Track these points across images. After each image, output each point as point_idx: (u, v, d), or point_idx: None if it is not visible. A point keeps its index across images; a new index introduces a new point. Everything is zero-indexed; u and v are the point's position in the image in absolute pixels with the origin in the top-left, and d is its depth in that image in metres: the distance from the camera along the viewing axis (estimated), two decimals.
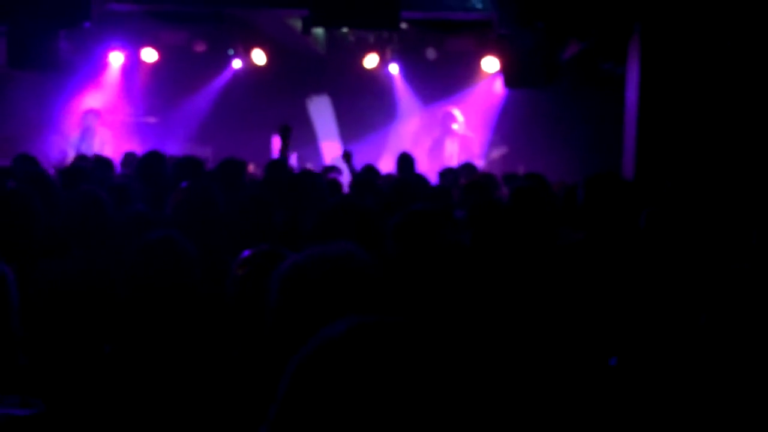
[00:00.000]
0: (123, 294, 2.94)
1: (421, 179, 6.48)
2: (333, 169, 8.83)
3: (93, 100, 12.53)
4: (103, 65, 12.78)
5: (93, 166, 7.61)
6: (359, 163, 10.28)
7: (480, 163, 10.99)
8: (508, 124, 12.37)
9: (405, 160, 8.48)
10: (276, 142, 12.14)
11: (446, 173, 8.26)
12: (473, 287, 3.34)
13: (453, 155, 11.30)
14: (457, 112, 11.68)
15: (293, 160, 11.33)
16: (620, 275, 3.56)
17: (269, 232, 4.00)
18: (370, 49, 12.68)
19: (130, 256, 2.92)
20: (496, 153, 11.35)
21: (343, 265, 1.99)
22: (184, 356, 2.64)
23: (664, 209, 4.57)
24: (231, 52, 12.99)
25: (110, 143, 11.22)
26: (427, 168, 10.80)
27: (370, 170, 7.68)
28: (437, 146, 11.59)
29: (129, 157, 8.58)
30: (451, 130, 11.58)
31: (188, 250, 2.81)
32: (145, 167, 6.53)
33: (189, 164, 6.49)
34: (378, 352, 1.15)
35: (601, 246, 4.11)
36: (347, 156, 7.55)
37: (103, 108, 12.30)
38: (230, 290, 2.63)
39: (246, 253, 2.68)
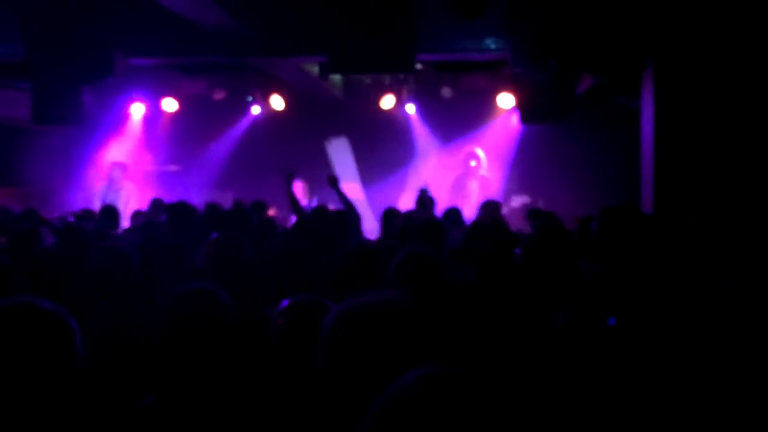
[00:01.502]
0: (159, 346, 3.02)
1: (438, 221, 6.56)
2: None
3: (116, 151, 12.74)
4: (124, 117, 13.01)
5: (98, 218, 7.78)
6: (380, 203, 10.40)
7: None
8: (525, 159, 12.44)
9: (425, 197, 8.60)
10: (297, 187, 12.29)
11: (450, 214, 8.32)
12: (485, 325, 3.42)
13: (474, 194, 11.38)
14: (480, 152, 11.77)
15: (313, 202, 11.45)
16: (636, 306, 3.61)
17: (301, 279, 4.09)
18: (386, 90, 12.83)
19: (166, 308, 3.01)
20: (517, 201, 11.40)
21: (393, 313, 2.07)
22: (227, 405, 2.72)
23: (687, 242, 4.61)
24: (250, 98, 13.20)
25: (135, 195, 11.38)
26: (449, 206, 10.89)
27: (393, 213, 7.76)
28: (459, 185, 11.67)
29: (157, 203, 8.73)
30: (473, 170, 11.66)
31: (225, 300, 2.90)
32: (174, 217, 6.67)
33: (215, 214, 6.63)
34: (452, 403, 1.18)
35: (619, 277, 4.17)
36: (333, 181, 7.60)
37: (127, 159, 12.50)
38: (272, 340, 2.72)
39: (285, 302, 2.77)
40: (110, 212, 7.95)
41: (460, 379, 1.23)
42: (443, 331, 2.84)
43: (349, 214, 6.94)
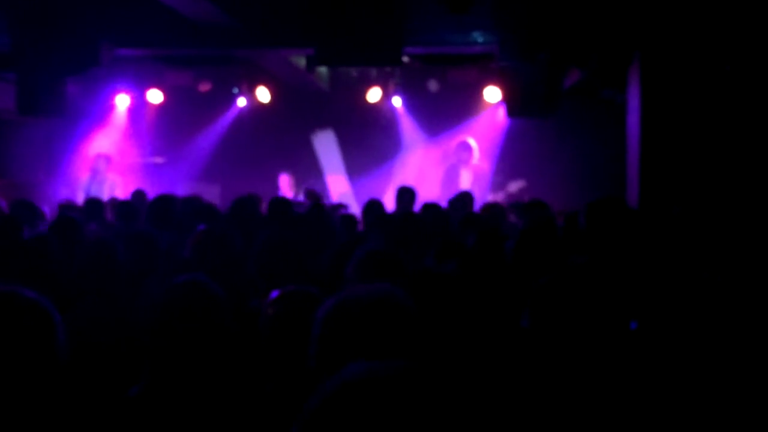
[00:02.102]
0: (150, 336, 3.01)
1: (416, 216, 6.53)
2: (341, 206, 8.91)
3: (101, 143, 12.68)
4: (109, 108, 12.95)
5: (83, 209, 7.73)
6: (366, 196, 10.37)
7: (489, 195, 11.07)
8: (512, 153, 12.46)
9: (404, 194, 8.58)
10: (283, 180, 12.27)
11: (455, 201, 8.34)
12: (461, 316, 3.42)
13: (466, 185, 11.38)
14: (472, 142, 11.76)
15: (300, 195, 11.44)
16: (622, 299, 3.62)
17: (288, 271, 4.08)
18: (372, 83, 12.82)
19: (158, 299, 3.00)
20: (515, 187, 11.38)
21: (386, 304, 2.08)
22: (217, 394, 2.72)
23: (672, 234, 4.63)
24: (236, 90, 13.16)
25: (120, 186, 11.34)
26: (440, 196, 10.90)
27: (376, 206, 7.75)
28: (452, 175, 11.65)
29: (138, 195, 8.67)
30: (466, 160, 11.66)
31: (217, 291, 2.90)
32: (156, 211, 6.64)
33: (201, 206, 6.61)
34: (374, 408, 1.19)
35: (604, 269, 4.19)
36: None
37: (112, 150, 12.44)
38: (262, 329, 2.72)
39: (275, 293, 2.77)
40: (94, 204, 7.90)
41: (387, 381, 1.22)
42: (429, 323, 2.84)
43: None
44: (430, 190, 11.30)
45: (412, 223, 5.71)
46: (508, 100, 9.50)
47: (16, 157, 12.03)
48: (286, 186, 12.19)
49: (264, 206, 8.07)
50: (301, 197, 11.09)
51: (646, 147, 8.25)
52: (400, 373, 1.23)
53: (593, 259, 4.53)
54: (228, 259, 4.27)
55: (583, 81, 10.16)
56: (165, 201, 6.87)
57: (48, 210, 8.24)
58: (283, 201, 7.04)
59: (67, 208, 8.11)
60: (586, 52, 8.27)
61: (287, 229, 5.81)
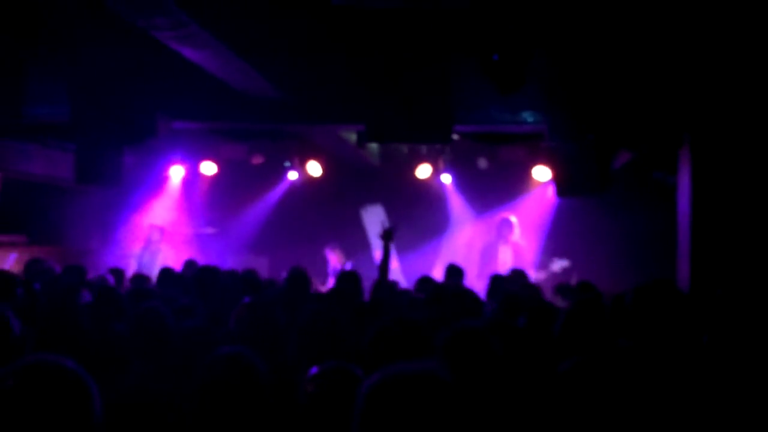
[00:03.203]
0: (194, 408, 3.02)
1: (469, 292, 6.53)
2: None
3: (155, 213, 12.90)
4: (164, 179, 13.20)
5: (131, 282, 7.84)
6: (414, 272, 10.38)
7: (532, 272, 11.00)
8: (561, 232, 12.41)
9: (453, 272, 8.58)
10: (331, 255, 12.31)
11: (496, 280, 8.29)
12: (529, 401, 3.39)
13: (506, 262, 11.33)
14: (513, 219, 11.75)
15: (348, 266, 11.48)
16: (668, 385, 3.55)
17: (332, 346, 4.08)
18: (422, 159, 12.91)
19: (200, 371, 3.02)
20: (557, 266, 11.31)
21: (430, 383, 2.08)
22: None
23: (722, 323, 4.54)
24: (287, 164, 13.34)
25: (172, 258, 11.49)
26: (478, 273, 10.86)
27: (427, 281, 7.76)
28: (490, 252, 11.63)
29: (189, 266, 8.80)
30: (506, 237, 11.63)
31: (259, 365, 2.91)
32: (200, 282, 6.72)
33: (248, 279, 6.68)
34: None
35: (650, 353, 4.11)
36: (388, 235, 7.46)
37: (165, 220, 12.65)
38: (302, 406, 2.72)
39: (314, 369, 2.78)
40: (141, 280, 8.02)
41: None
42: (483, 402, 2.82)
43: (380, 274, 6.94)
44: (472, 266, 11.30)
45: (464, 298, 5.72)
46: (557, 180, 9.47)
47: (72, 225, 12.27)
48: (334, 260, 12.25)
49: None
50: (348, 267, 11.12)
51: (697, 229, 8.17)
52: None
53: (639, 342, 4.46)
54: (271, 332, 4.29)
55: (633, 162, 10.14)
56: (209, 272, 6.96)
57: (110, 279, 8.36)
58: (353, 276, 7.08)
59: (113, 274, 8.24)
60: (636, 134, 8.26)
61: (337, 305, 5.85)
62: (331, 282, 11.05)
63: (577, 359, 2.88)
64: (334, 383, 2.73)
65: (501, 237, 11.66)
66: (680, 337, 4.43)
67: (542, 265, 11.73)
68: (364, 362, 3.27)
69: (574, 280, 10.50)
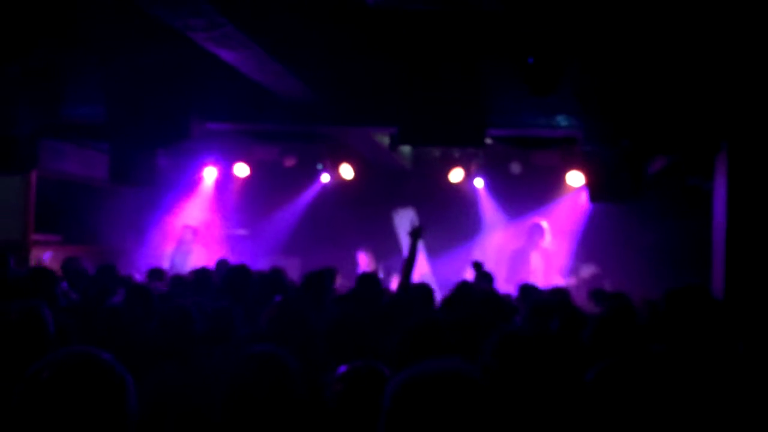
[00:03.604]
0: (224, 406, 3.03)
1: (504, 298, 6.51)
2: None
3: (188, 214, 12.99)
4: (197, 180, 13.28)
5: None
6: (445, 276, 10.36)
7: (560, 279, 10.94)
8: (594, 238, 12.33)
9: (482, 278, 8.55)
10: (362, 257, 12.32)
11: (528, 289, 8.20)
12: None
13: (538, 269, 11.27)
14: (545, 225, 11.70)
15: (380, 272, 11.48)
16: (701, 391, 3.50)
17: (360, 346, 4.08)
18: (455, 163, 12.89)
19: (235, 369, 3.02)
20: (586, 272, 11.24)
21: (458, 381, 2.06)
22: None
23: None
24: (320, 166, 13.38)
25: (205, 258, 11.55)
26: (507, 277, 10.81)
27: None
28: (521, 257, 11.57)
29: (222, 265, 8.83)
30: (537, 243, 11.57)
31: (291, 363, 2.91)
32: (231, 282, 6.75)
33: (273, 278, 6.70)
34: None
35: (683, 359, 4.07)
36: (416, 233, 7.34)
37: (198, 221, 12.73)
38: (329, 405, 2.72)
39: (342, 368, 2.78)
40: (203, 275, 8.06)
41: None
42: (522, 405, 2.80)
43: (403, 275, 6.91)
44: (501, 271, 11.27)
45: (495, 304, 5.70)
46: (591, 185, 9.42)
47: (107, 225, 12.37)
48: (365, 263, 12.25)
49: (339, 280, 8.12)
50: (380, 273, 11.12)
51: (732, 237, 8.08)
52: None
53: (672, 348, 4.41)
54: (303, 331, 4.29)
55: (668, 168, 10.05)
56: (239, 272, 6.99)
57: (138, 277, 8.42)
58: (372, 277, 7.06)
59: (152, 275, 8.29)
60: (672, 139, 8.19)
61: (365, 306, 5.85)
62: None
63: (608, 363, 2.85)
64: (361, 382, 2.72)
65: (532, 242, 11.60)
66: (714, 343, 4.38)
67: (573, 271, 11.66)
68: (390, 362, 3.27)
69: (607, 286, 10.43)
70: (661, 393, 2.70)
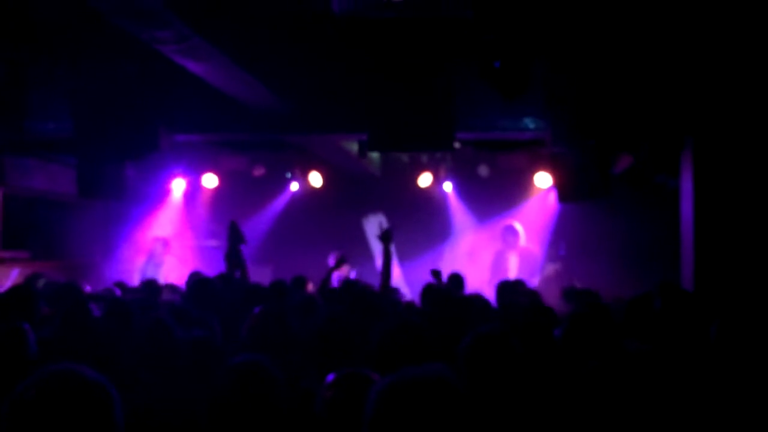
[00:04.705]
0: (209, 416, 3.03)
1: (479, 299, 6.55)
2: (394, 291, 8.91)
3: (158, 226, 12.92)
4: (166, 192, 13.22)
5: (141, 291, 7.84)
6: (416, 280, 10.39)
7: (534, 279, 11.02)
8: (563, 238, 12.44)
9: (455, 280, 8.60)
10: (333, 259, 12.32)
11: (504, 288, 8.27)
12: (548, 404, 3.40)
13: (514, 268, 11.36)
14: (518, 226, 11.79)
15: (353, 275, 11.48)
16: (690, 386, 3.57)
17: (344, 353, 4.10)
18: (423, 168, 12.96)
19: (218, 379, 3.03)
20: (551, 269, 11.34)
21: (437, 387, 2.09)
22: None
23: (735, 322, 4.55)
24: (289, 175, 13.39)
25: (176, 270, 11.49)
26: (489, 280, 10.88)
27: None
28: (500, 260, 11.65)
29: (194, 277, 8.79)
30: (513, 244, 11.66)
31: (274, 373, 2.92)
32: (196, 292, 6.75)
33: (256, 291, 6.70)
34: None
35: (673, 356, 4.13)
36: (386, 236, 7.35)
37: (168, 233, 12.67)
38: (319, 412, 2.73)
39: (331, 376, 2.80)
40: (151, 286, 8.03)
41: None
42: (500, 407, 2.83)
43: (382, 279, 6.94)
44: (480, 275, 11.30)
45: (469, 306, 5.75)
46: (559, 186, 9.50)
47: (75, 239, 12.27)
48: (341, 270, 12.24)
49: (310, 287, 8.14)
50: (353, 276, 11.13)
51: (700, 232, 8.19)
52: None
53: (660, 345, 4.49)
54: (283, 340, 4.30)
55: (635, 166, 10.16)
56: (202, 283, 7.01)
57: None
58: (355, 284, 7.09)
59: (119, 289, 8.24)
60: (637, 138, 8.29)
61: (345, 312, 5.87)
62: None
63: (597, 363, 2.89)
64: (351, 389, 2.74)
65: (508, 244, 11.69)
66: (690, 337, 4.46)
67: (541, 270, 11.76)
68: (369, 367, 3.29)
69: (577, 284, 10.52)
70: (647, 390, 2.76)
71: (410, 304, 7.11)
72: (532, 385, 3.66)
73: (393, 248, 7.52)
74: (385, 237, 7.32)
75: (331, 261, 12.29)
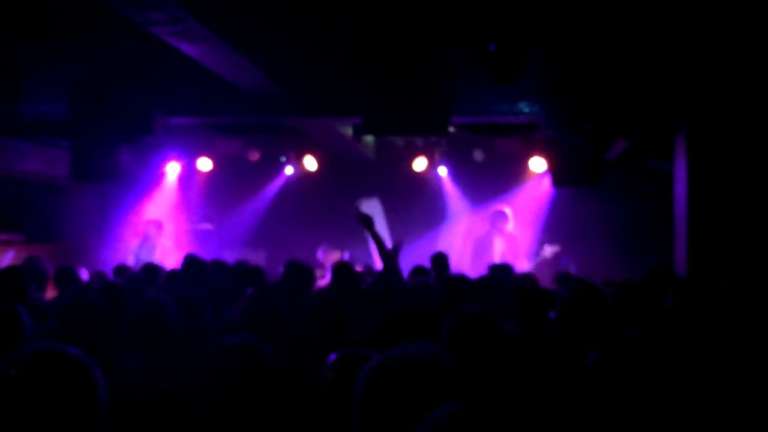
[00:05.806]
0: (202, 398, 3.04)
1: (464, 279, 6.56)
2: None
3: (152, 209, 12.91)
4: (160, 175, 13.20)
5: (139, 273, 7.85)
6: (410, 264, 10.39)
7: (525, 263, 11.04)
8: (557, 222, 12.46)
9: (439, 260, 8.62)
10: (323, 257, 12.31)
11: (495, 269, 8.29)
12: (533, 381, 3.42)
13: (500, 253, 11.37)
14: (508, 211, 11.80)
15: (346, 257, 11.51)
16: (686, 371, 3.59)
17: (336, 336, 4.12)
18: (418, 152, 12.95)
19: (208, 361, 3.04)
20: (549, 251, 11.34)
21: (428, 365, 2.10)
22: None
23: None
24: (283, 159, 13.37)
25: (171, 253, 11.49)
26: (471, 263, 10.90)
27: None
28: (484, 243, 11.65)
29: (190, 259, 8.79)
30: (500, 229, 11.67)
31: (266, 354, 2.93)
32: (187, 272, 6.76)
33: (250, 272, 6.70)
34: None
35: (659, 341, 4.15)
36: (365, 221, 7.07)
37: (162, 216, 12.66)
38: (321, 393, 2.75)
39: (333, 356, 2.81)
40: (150, 269, 8.03)
41: (486, 413, 1.31)
42: (487, 382, 2.85)
43: (384, 262, 6.89)
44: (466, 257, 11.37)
45: (466, 286, 5.78)
46: (553, 170, 9.52)
47: (69, 222, 12.26)
48: (323, 257, 12.24)
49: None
50: (346, 257, 11.15)
51: (694, 216, 8.22)
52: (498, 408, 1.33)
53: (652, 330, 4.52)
54: (275, 321, 4.31)
55: (629, 151, 10.18)
56: (195, 264, 7.02)
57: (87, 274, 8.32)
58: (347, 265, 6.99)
59: (118, 272, 8.24)
60: (632, 122, 8.31)
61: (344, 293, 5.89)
62: (328, 276, 11.07)
63: (601, 349, 2.91)
64: (353, 368, 2.75)
65: (495, 228, 11.70)
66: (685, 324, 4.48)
67: (536, 254, 11.78)
68: (367, 347, 3.31)
69: (572, 268, 10.55)
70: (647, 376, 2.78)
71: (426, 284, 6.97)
72: (526, 365, 3.68)
73: (387, 234, 7.47)
74: (365, 221, 7.09)
75: (320, 255, 12.30)
